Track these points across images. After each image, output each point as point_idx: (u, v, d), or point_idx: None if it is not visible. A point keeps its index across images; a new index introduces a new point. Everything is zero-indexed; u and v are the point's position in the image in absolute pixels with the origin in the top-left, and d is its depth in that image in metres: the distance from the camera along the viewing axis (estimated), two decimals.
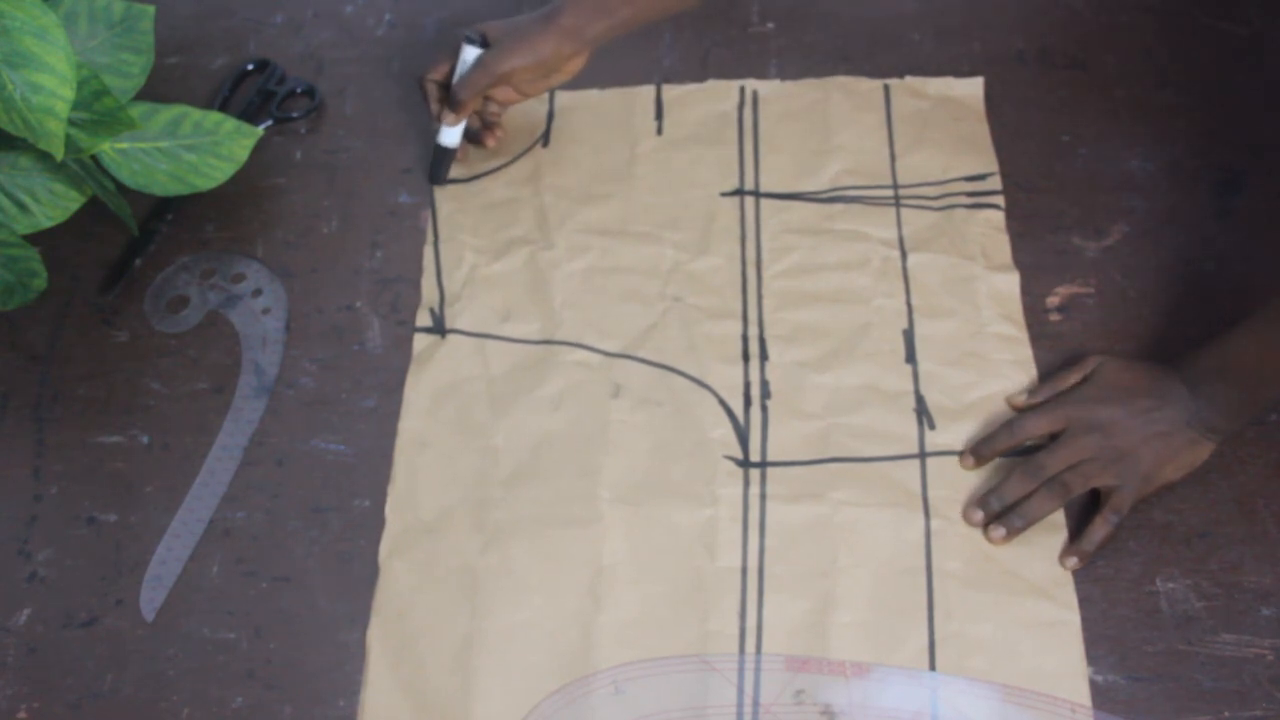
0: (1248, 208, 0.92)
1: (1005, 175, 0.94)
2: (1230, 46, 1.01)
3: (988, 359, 0.85)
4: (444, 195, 0.96)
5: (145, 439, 0.87)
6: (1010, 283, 0.88)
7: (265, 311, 0.91)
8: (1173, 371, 0.79)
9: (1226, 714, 0.72)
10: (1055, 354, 0.86)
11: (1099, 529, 0.77)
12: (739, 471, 0.82)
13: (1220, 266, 0.89)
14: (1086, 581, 0.77)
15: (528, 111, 1.00)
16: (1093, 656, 0.74)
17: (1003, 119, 0.97)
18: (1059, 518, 0.78)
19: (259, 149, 0.94)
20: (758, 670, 0.74)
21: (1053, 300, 0.88)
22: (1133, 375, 0.80)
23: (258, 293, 0.92)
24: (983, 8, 1.01)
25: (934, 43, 1.03)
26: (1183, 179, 0.94)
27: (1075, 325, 0.87)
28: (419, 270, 0.93)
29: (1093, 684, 0.73)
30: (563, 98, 1.01)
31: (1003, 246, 0.90)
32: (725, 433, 0.83)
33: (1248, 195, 0.92)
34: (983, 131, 0.96)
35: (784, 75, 1.01)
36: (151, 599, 0.79)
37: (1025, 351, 0.85)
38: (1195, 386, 0.77)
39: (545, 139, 0.99)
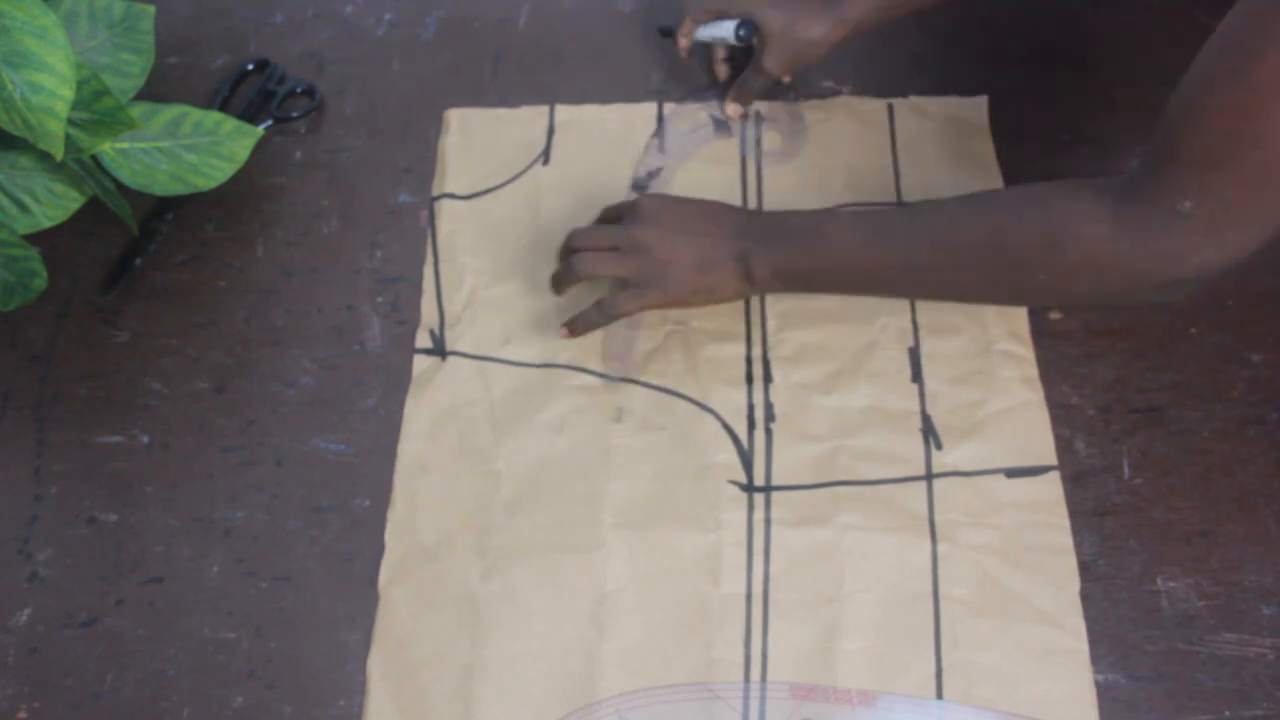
0: None
1: (1006, 176, 0.94)
2: None
3: (995, 376, 0.84)
4: (444, 214, 0.95)
5: (145, 439, 0.87)
6: None
7: None
8: (730, 209, 0.83)
9: (1227, 713, 0.72)
10: (1056, 353, 0.86)
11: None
12: (743, 496, 0.81)
13: None
14: (1087, 580, 0.77)
15: (527, 128, 0.99)
16: (1094, 656, 0.74)
17: (1003, 118, 0.97)
18: (1066, 541, 0.78)
19: (259, 149, 0.94)
20: (763, 698, 0.73)
21: None
22: (676, 205, 0.83)
23: None
24: (983, 7, 1.01)
25: (935, 42, 1.02)
26: None
27: (1075, 324, 0.87)
28: (419, 270, 0.93)
29: (1094, 683, 0.73)
30: (563, 113, 1.00)
31: None
32: (729, 457, 0.83)
33: None
34: (987, 150, 0.95)
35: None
36: None
37: (1032, 370, 0.85)
38: (749, 231, 0.81)
39: (545, 157, 0.98)
